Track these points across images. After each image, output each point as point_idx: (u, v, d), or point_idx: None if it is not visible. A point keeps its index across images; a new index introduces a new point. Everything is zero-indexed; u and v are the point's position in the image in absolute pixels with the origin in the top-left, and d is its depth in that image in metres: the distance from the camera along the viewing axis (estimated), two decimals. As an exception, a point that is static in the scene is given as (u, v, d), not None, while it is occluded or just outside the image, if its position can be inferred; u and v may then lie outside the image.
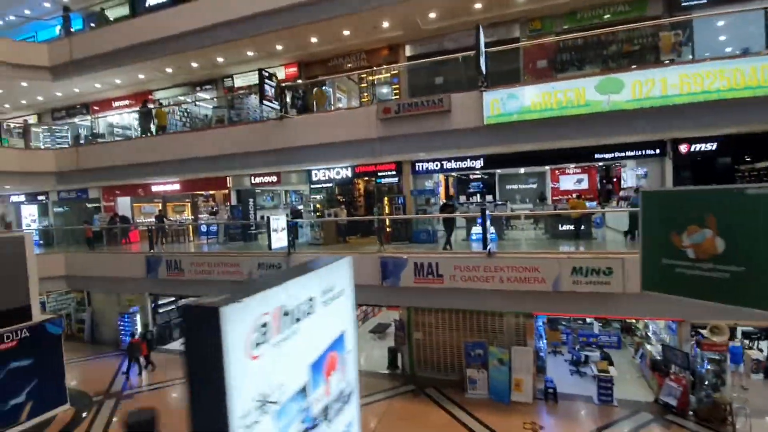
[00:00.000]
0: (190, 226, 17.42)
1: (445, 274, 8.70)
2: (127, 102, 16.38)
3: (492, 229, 11.21)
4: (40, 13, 15.58)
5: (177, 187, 15.78)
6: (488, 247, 8.53)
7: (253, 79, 14.04)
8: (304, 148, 10.45)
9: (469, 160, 11.37)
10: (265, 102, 9.64)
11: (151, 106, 15.72)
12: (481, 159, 11.30)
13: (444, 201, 11.84)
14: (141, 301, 15.31)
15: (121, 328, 15.11)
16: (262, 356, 1.94)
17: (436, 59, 9.64)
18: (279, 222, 9.90)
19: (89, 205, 18.11)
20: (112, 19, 14.69)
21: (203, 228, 16.99)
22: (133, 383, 12.72)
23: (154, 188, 16.38)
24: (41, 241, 17.07)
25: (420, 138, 9.37)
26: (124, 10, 14.56)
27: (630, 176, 13.66)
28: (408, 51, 11.82)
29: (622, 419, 9.19)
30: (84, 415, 10.56)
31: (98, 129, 16.25)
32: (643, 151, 10.77)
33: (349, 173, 12.76)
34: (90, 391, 11.68)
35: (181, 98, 15.44)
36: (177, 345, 15.14)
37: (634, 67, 8.51)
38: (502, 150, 9.93)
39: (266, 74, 9.64)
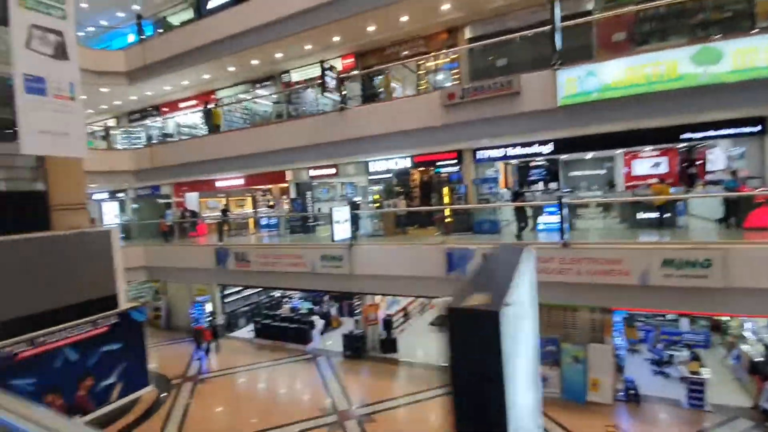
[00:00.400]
0: (251, 219, 18.12)
1: (516, 266, 8.25)
2: (192, 102, 17.23)
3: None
4: (115, 22, 16.73)
5: (240, 182, 16.41)
6: (564, 238, 7.97)
7: (310, 73, 14.20)
8: (364, 139, 10.37)
9: (536, 145, 10.72)
10: (326, 93, 9.64)
11: (212, 105, 16.45)
12: (550, 144, 10.60)
13: (515, 189, 11.29)
14: (211, 290, 16.20)
15: (193, 315, 16.09)
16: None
17: (501, 39, 9.09)
18: (341, 213, 9.91)
19: (161, 201, 19.40)
20: (178, 23, 15.45)
21: (263, 221, 17.59)
22: (203, 368, 13.51)
23: (219, 183, 17.15)
24: (123, 235, 18.51)
25: (486, 123, 8.92)
26: (191, 14, 15.23)
27: (718, 158, 12.26)
28: (468, 33, 11.31)
29: (717, 426, 8.33)
30: (164, 395, 11.34)
31: (168, 129, 17.25)
32: (740, 129, 9.56)
33: (407, 163, 12.55)
34: (168, 374, 12.53)
35: (241, 96, 15.97)
36: (243, 333, 15.88)
37: (734, 35, 7.50)
38: (576, 133, 9.24)
39: (327, 66, 9.62)
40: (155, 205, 19.30)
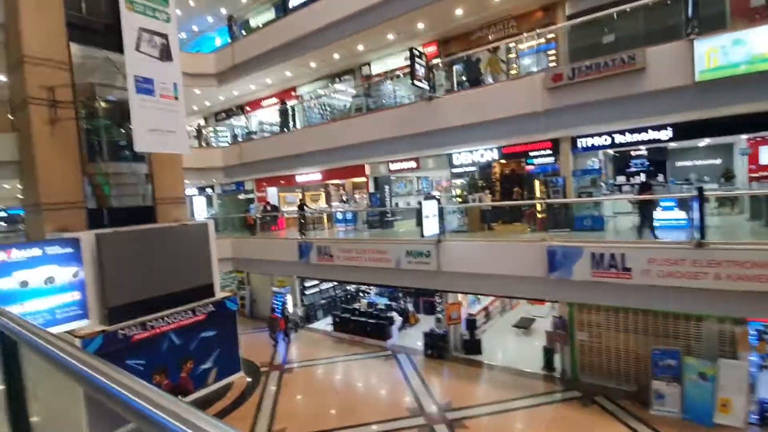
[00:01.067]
0: (326, 214, 18.33)
1: (635, 268, 7.25)
2: (274, 100, 17.79)
3: (684, 215, 9.22)
4: (205, 27, 17.75)
5: (318, 176, 16.65)
6: (699, 237, 6.83)
7: (391, 64, 13.92)
8: (452, 130, 9.82)
9: (649, 131, 9.44)
10: (415, 82, 9.23)
11: (293, 102, 16.83)
12: (667, 129, 9.26)
13: (640, 180, 10.10)
14: (291, 282, 16.70)
15: (275, 305, 16.71)
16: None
17: (619, 9, 7.98)
18: (430, 208, 9.47)
19: (244, 196, 20.41)
20: (260, 25, 15.95)
21: (338, 215, 17.73)
22: (283, 356, 13.89)
23: (298, 179, 17.56)
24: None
25: (599, 106, 7.93)
26: (272, 15, 15.66)
27: None
28: (568, 9, 10.24)
29: None
30: (253, 381, 11.77)
31: (251, 127, 17.99)
32: None
33: (495, 155, 11.77)
34: (256, 361, 13.04)
35: (320, 91, 16.13)
36: (322, 325, 16.17)
37: None
38: (710, 114, 7.90)
39: (417, 53, 9.20)
40: (239, 200, 20.35)
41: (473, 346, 12.19)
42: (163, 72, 9.61)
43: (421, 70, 9.33)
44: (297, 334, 15.59)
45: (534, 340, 12.96)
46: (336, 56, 13.79)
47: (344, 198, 19.94)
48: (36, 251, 7.86)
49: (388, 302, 15.54)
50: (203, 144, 16.91)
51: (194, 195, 22.74)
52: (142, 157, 11.02)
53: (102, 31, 10.43)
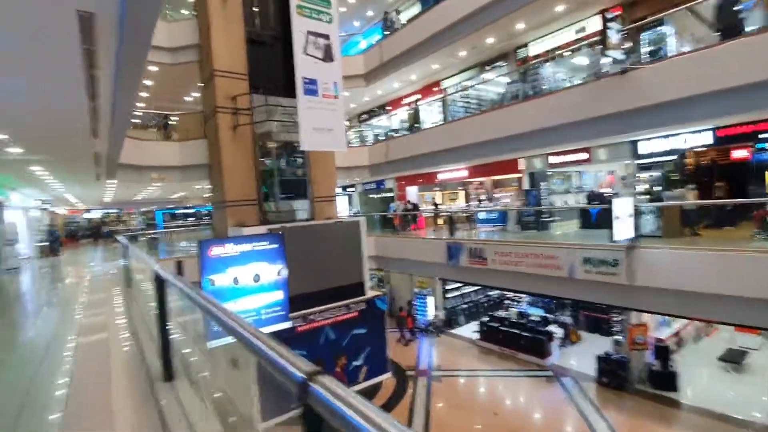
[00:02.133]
0: (463, 213, 17.20)
1: None
2: (417, 97, 17.46)
3: None
4: (352, 30, 18.41)
5: (464, 173, 15.73)
6: None
7: (553, 43, 12.18)
8: (659, 107, 7.78)
9: None
10: (608, 52, 7.56)
11: (437, 96, 16.20)
12: None
13: None
14: (432, 284, 16.18)
15: (415, 306, 16.37)
16: None
17: None
18: (624, 207, 7.67)
19: (384, 195, 20.69)
20: (405, 22, 15.71)
21: (481, 215, 16.49)
22: (427, 362, 13.31)
23: (440, 176, 16.90)
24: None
25: None
26: (418, 9, 15.29)
27: None
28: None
29: None
30: (402, 385, 11.40)
31: (393, 126, 17.99)
32: None
33: (709, 139, 9.16)
34: (401, 363, 12.73)
35: (466, 83, 15.15)
36: (464, 331, 15.22)
37: None
38: None
39: (610, 16, 7.52)
40: (379, 199, 20.70)
41: (666, 379, 9.76)
42: (326, 72, 9.83)
43: (615, 37, 7.58)
44: (439, 338, 14.93)
45: (749, 379, 9.91)
46: (489, 40, 12.62)
47: (481, 197, 18.59)
48: (246, 246, 7.83)
49: (544, 314, 13.73)
50: (349, 144, 17.52)
51: (337, 194, 24.08)
52: (303, 157, 11.61)
53: (271, 42, 11.26)
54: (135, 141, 11.30)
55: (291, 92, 9.86)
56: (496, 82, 14.35)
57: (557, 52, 12.15)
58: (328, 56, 9.88)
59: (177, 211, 38.07)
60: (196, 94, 15.87)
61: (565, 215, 13.61)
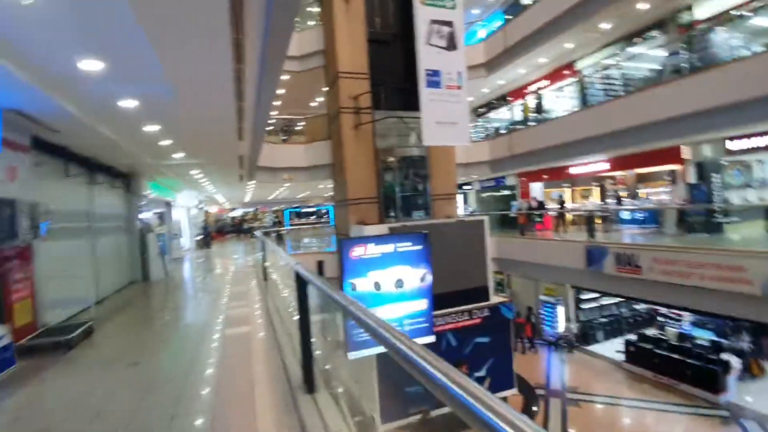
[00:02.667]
0: (601, 212, 14.90)
1: None
2: (543, 84, 15.79)
3: None
4: (472, 19, 17.48)
5: (605, 166, 13.65)
6: None
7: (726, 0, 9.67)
8: None
9: None
10: None
11: (570, 80, 14.37)
12: None
13: None
14: (562, 292, 14.42)
15: (542, 316, 14.78)
16: None
17: None
18: None
19: (501, 193, 19.30)
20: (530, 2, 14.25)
21: (624, 215, 14.14)
22: (560, 382, 11.77)
23: (572, 170, 15.00)
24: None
25: None
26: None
27: None
28: None
29: None
30: (534, 408, 10.23)
31: (514, 117, 16.59)
32: None
33: None
34: (530, 379, 11.49)
35: (607, 61, 13.07)
36: (604, 349, 13.16)
37: None
38: None
39: None
40: (498, 197, 19.37)
41: None
42: (449, 62, 9.25)
43: None
44: (571, 354, 13.18)
45: None
46: (642, 6, 10.59)
47: (621, 194, 15.94)
48: (387, 247, 7.08)
49: (715, 338, 11.06)
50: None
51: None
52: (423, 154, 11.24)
53: (390, 39, 11.12)
54: (269, 145, 12.26)
55: (412, 104, 9.48)
56: (646, 58, 12.08)
57: (733, 13, 9.64)
58: (451, 45, 9.29)
59: (301, 210, 41.76)
60: (320, 99, 16.80)
61: (746, 215, 10.81)
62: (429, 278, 7.44)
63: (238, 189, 17.72)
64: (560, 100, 14.53)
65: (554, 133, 12.37)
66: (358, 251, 6.89)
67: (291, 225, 35.87)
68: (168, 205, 14.83)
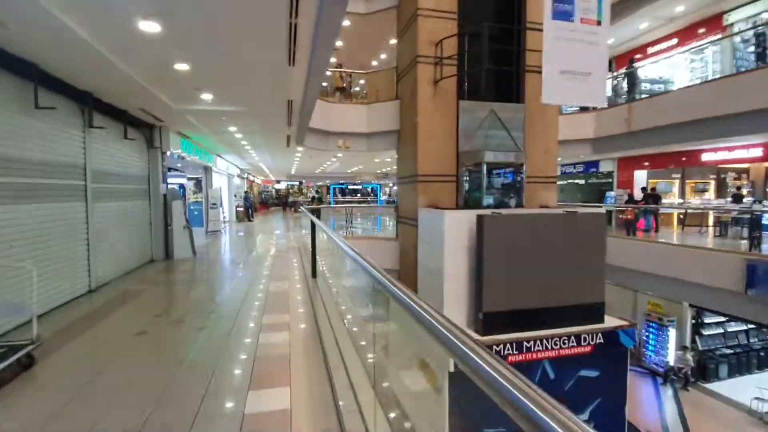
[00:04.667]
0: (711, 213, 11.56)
1: None
2: (672, 42, 12.31)
3: None
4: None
5: (757, 152, 10.29)
6: None
7: None
8: None
9: None
10: None
11: (717, 36, 10.91)
12: None
13: None
14: (675, 311, 11.39)
15: (644, 337, 11.85)
16: None
17: None
18: None
19: (592, 181, 16.07)
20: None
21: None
22: (673, 424, 9.02)
23: (707, 156, 11.68)
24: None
25: None
26: None
27: None
28: None
29: None
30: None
31: (623, 86, 13.27)
32: None
33: None
34: (639, 425, 8.83)
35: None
36: (730, 389, 10.14)
37: None
38: None
39: None
40: (586, 186, 16.19)
41: None
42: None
43: None
44: (687, 393, 10.25)
45: None
46: None
47: (744, 191, 12.39)
48: None
49: None
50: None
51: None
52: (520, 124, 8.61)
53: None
54: (323, 103, 10.02)
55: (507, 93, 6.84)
56: None
57: None
58: (590, -41, 6.45)
59: (347, 187, 39.83)
60: (384, 56, 14.30)
61: None
62: None
63: (283, 158, 15.79)
64: (687, 69, 11.14)
65: (694, 104, 9.15)
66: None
67: (335, 202, 34.16)
68: (206, 170, 13.14)
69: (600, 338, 7.48)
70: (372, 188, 39.87)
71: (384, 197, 39.59)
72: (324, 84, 11.37)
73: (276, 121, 8.06)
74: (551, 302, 7.39)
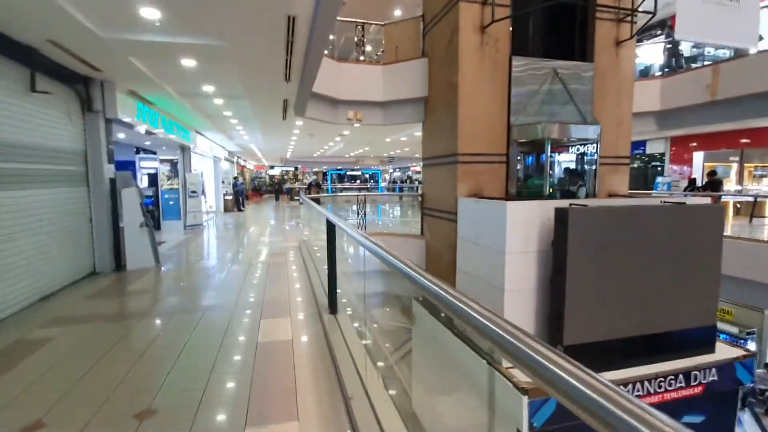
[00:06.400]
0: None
1: None
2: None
3: None
4: None
5: None
6: None
7: None
8: None
9: None
10: None
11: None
12: None
13: None
14: (755, 321, 9.53)
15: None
16: None
17: None
18: None
19: (635, 164, 14.03)
20: None
21: None
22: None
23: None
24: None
25: None
26: None
27: None
28: None
29: None
30: None
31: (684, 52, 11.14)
32: None
33: None
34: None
35: None
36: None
37: None
38: None
39: None
40: (633, 170, 14.15)
41: None
42: None
43: None
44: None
45: None
46: None
47: None
48: None
49: None
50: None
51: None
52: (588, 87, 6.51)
53: None
54: (330, 61, 7.78)
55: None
56: None
57: None
58: None
59: (345, 172, 37.48)
60: (399, 12, 11.99)
61: None
62: None
63: (279, 136, 13.51)
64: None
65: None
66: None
67: (333, 189, 31.84)
68: (184, 150, 10.85)
69: (714, 374, 5.51)
70: (372, 174, 37.63)
71: (384, 184, 37.40)
72: (331, 37, 9.14)
73: (268, 70, 5.77)
74: (653, 327, 5.36)
